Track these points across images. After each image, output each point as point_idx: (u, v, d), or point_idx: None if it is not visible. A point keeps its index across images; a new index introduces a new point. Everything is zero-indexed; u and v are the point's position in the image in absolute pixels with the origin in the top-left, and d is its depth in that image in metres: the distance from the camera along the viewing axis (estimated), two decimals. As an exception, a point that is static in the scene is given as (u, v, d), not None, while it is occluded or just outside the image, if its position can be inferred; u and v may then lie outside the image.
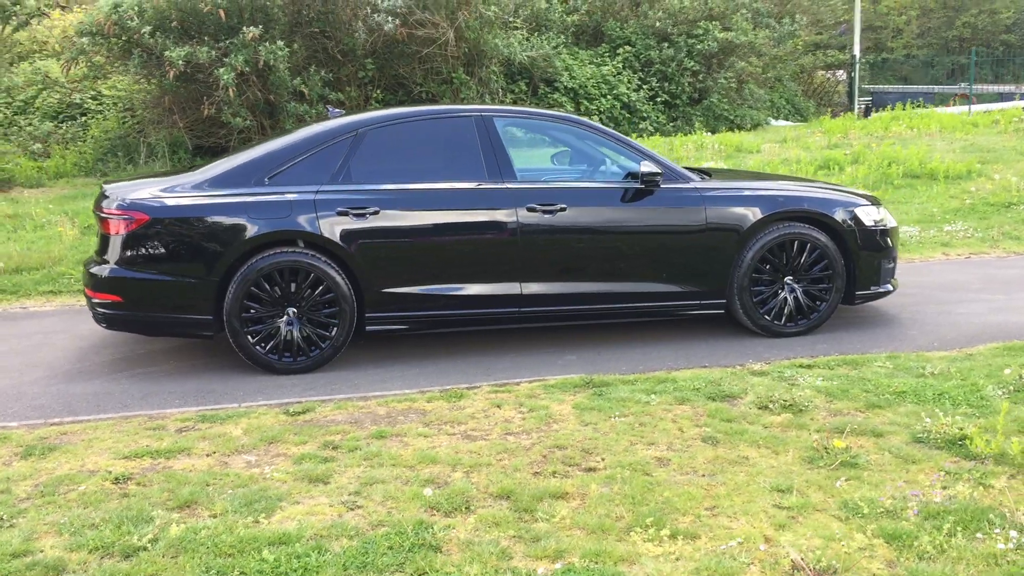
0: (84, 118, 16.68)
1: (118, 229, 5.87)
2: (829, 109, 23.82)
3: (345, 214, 5.96)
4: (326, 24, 14.97)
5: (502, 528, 3.74)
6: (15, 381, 5.99)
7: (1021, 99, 23.62)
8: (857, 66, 25.84)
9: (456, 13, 15.01)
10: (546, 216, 6.17)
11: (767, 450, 4.51)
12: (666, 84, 19.04)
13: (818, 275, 6.56)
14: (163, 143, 14.88)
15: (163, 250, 5.87)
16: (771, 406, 5.06)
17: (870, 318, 7.08)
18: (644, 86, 18.83)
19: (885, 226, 6.80)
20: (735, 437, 4.66)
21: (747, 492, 4.04)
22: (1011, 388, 5.21)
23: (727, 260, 6.43)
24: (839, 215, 6.57)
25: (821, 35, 27.69)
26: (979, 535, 3.54)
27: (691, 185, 6.44)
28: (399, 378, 5.92)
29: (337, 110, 6.93)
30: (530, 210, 6.15)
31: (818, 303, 6.60)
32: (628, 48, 19.13)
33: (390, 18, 14.04)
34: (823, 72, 27.39)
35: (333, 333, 6.02)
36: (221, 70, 13.31)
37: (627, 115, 18.33)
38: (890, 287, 6.85)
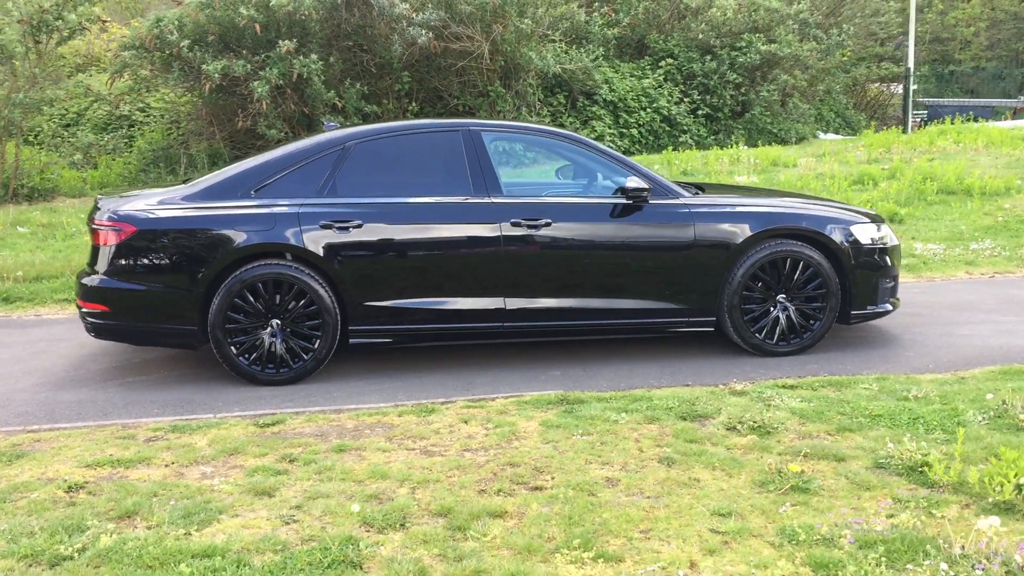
0: (131, 129, 17.11)
1: (107, 240, 6.00)
2: (872, 123, 23.33)
3: (329, 227, 6.01)
4: (362, 38, 15.14)
5: (429, 546, 3.73)
6: (8, 388, 6.14)
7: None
8: (911, 79, 25.32)
9: (491, 26, 15.07)
10: (530, 231, 6.15)
11: (721, 472, 4.42)
12: (708, 97, 18.89)
13: (812, 294, 6.43)
14: (203, 154, 15.17)
15: (149, 261, 5.97)
16: (739, 427, 4.97)
17: (869, 338, 6.92)
18: (685, 99, 18.69)
19: (885, 245, 6.65)
20: (692, 458, 4.58)
21: (687, 515, 3.96)
22: (991, 414, 5.04)
23: (716, 277, 6.34)
24: (834, 233, 6.44)
25: (884, 47, 27.22)
26: (909, 566, 3.43)
27: (680, 201, 6.37)
28: (378, 391, 5.94)
29: (333, 124, 6.99)
30: (514, 224, 6.14)
31: (812, 322, 6.47)
32: (670, 61, 19.02)
33: (424, 31, 14.13)
34: (877, 85, 26.90)
35: (316, 345, 6.06)
36: (255, 83, 13.52)
37: (667, 128, 18.22)
38: (889, 307, 6.69)
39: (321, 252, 5.99)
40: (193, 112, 15.92)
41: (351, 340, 6.15)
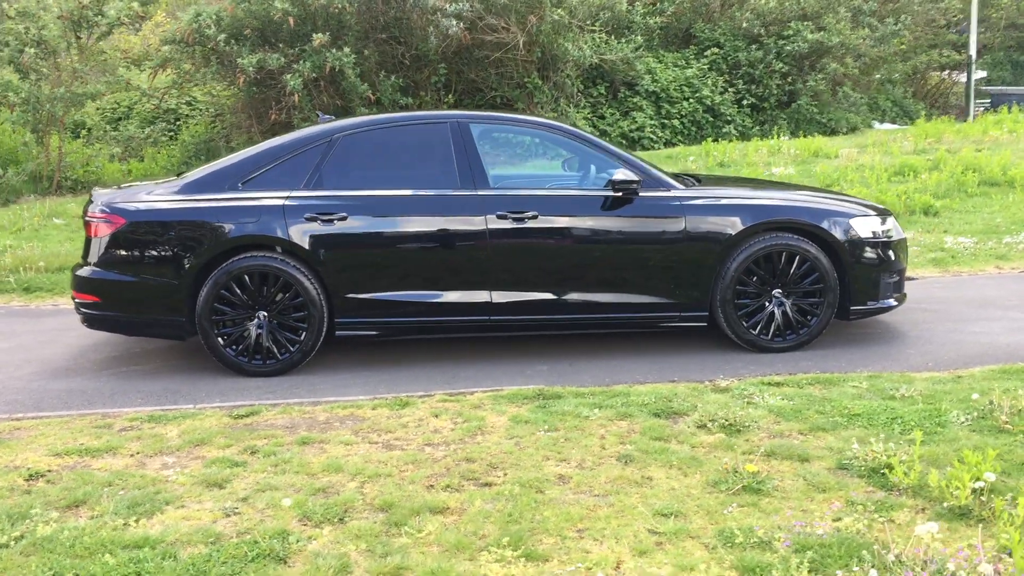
0: (177, 123, 17.41)
1: (98, 231, 6.10)
2: (934, 112, 22.69)
3: (314, 220, 6.02)
4: (399, 30, 15.16)
5: (360, 541, 3.70)
6: (5, 376, 6.28)
7: None
8: (972, 66, 24.55)
9: (526, 18, 14.98)
10: (516, 224, 6.08)
11: (677, 471, 4.32)
12: (753, 87, 18.57)
13: (809, 289, 6.26)
14: (242, 146, 15.34)
15: (139, 252, 6.06)
16: (710, 425, 4.85)
17: (872, 335, 6.72)
18: (730, 88, 18.38)
19: (890, 238, 6.44)
20: (652, 456, 4.48)
21: (629, 515, 3.88)
22: (975, 415, 4.85)
23: (709, 271, 6.21)
24: (831, 226, 6.26)
25: (945, 34, 26.39)
26: (839, 572, 3.30)
27: (672, 193, 6.24)
28: (362, 384, 5.93)
29: (328, 116, 7.00)
30: (500, 217, 6.08)
31: (809, 318, 6.29)
32: (716, 50, 18.73)
33: (455, 22, 14.10)
34: (938, 73, 26.15)
35: (302, 338, 6.08)
36: (288, 76, 13.64)
37: (710, 119, 17.95)
38: (892, 302, 6.48)
39: (306, 244, 6.01)
40: (234, 105, 16.13)
41: (337, 332, 6.15)
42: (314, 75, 13.89)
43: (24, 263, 9.17)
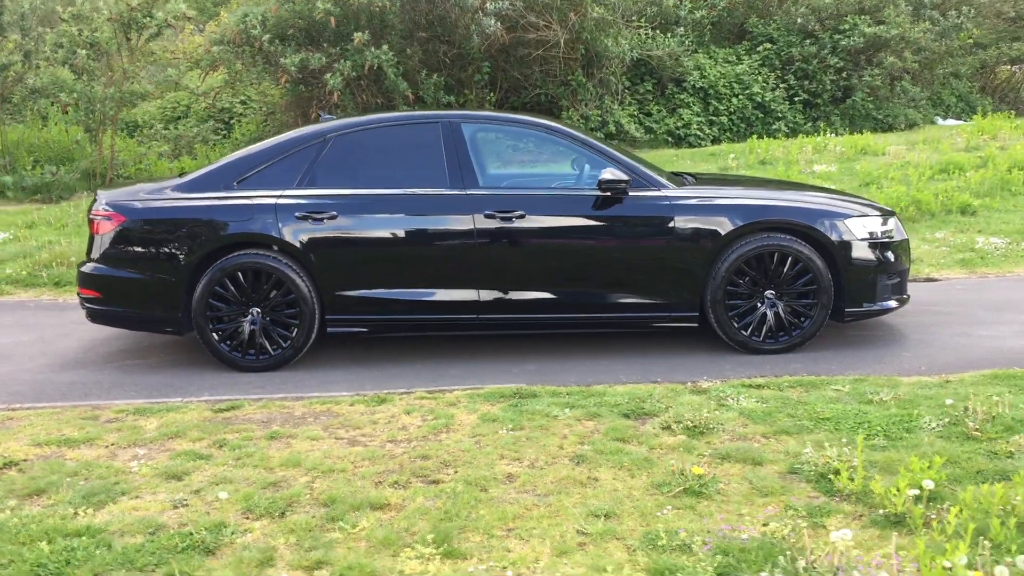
0: (231, 121, 17.81)
1: (100, 229, 6.29)
2: (1004, 107, 21.99)
3: (305, 218, 6.13)
4: (441, 28, 15.27)
5: (292, 535, 3.78)
6: (15, 367, 6.52)
7: None
8: (1044, 60, 23.74)
9: (567, 15, 14.96)
10: (503, 223, 6.11)
11: (625, 472, 4.31)
12: (806, 83, 18.22)
13: (802, 290, 6.17)
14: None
15: (137, 249, 6.24)
16: (674, 427, 4.83)
17: (872, 337, 6.59)
18: (782, 84, 18.09)
19: (890, 239, 6.31)
20: (605, 457, 4.48)
21: (563, 515, 3.89)
22: (947, 421, 4.74)
23: (699, 272, 6.16)
24: (825, 226, 6.15)
25: (1016, 26, 25.57)
26: (747, 578, 3.28)
27: (661, 193, 6.20)
28: (349, 380, 6.02)
29: (329, 116, 7.11)
30: (488, 217, 6.11)
31: (802, 320, 6.20)
32: (769, 46, 18.45)
33: (493, 20, 14.15)
34: (1008, 67, 25.35)
35: (294, 334, 6.19)
36: (328, 75, 13.84)
37: (760, 115, 17.68)
38: (892, 304, 6.35)
39: (298, 243, 6.12)
40: (283, 104, 16.43)
41: (328, 329, 6.26)
42: (354, 74, 14.07)
43: (58, 258, 9.49)
